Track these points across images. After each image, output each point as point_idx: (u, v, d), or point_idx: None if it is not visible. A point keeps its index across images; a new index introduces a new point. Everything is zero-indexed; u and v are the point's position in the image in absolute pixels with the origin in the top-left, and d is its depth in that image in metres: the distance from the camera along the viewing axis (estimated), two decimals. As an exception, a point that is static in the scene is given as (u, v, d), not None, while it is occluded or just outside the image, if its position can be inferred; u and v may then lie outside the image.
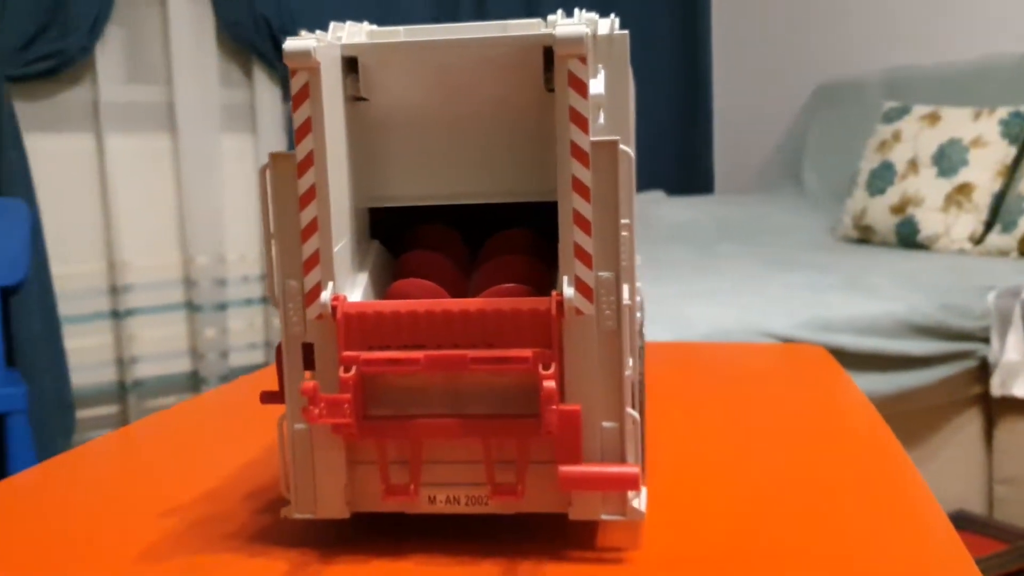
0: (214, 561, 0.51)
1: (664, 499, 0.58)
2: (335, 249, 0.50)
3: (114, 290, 2.82)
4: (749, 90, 3.45)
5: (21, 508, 0.62)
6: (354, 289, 0.53)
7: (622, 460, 0.50)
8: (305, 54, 0.48)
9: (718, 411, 0.78)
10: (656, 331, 1.47)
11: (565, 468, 0.49)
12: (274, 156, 0.51)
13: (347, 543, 0.52)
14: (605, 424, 0.50)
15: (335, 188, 0.51)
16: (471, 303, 0.50)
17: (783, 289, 1.75)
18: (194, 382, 3.01)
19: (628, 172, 0.49)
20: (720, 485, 0.60)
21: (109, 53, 2.72)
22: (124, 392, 2.86)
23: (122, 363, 2.85)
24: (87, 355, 2.78)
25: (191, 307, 2.97)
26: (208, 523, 0.57)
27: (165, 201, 2.92)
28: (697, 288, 1.77)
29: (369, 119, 0.55)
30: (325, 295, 0.50)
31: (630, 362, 0.51)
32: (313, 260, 0.50)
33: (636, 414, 0.50)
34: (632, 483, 0.48)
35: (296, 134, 0.50)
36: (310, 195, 0.50)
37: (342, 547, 0.52)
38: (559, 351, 0.49)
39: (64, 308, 2.67)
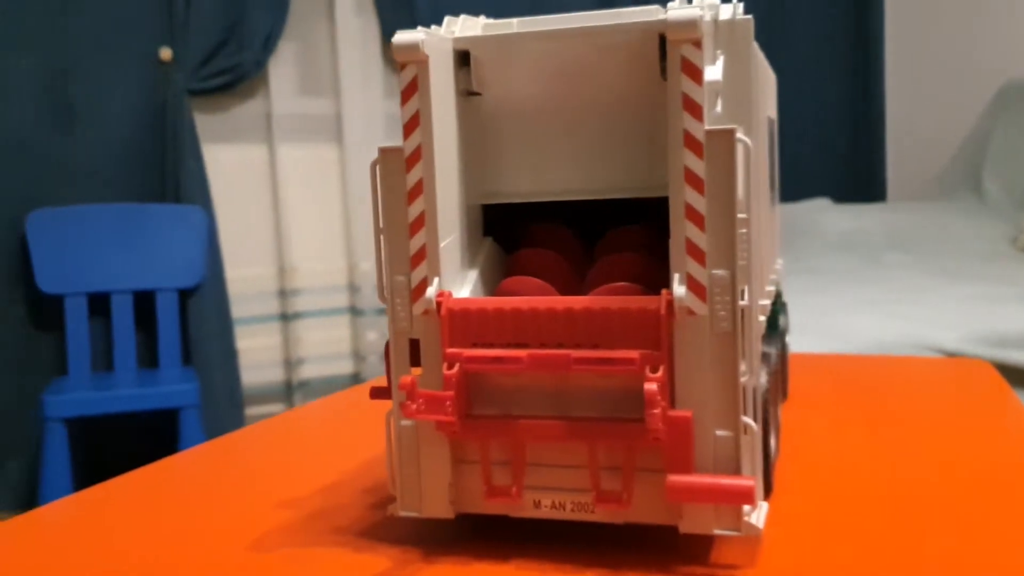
0: (318, 555, 0.51)
1: (790, 515, 0.54)
2: (441, 245, 0.50)
3: (283, 294, 2.95)
4: (926, 90, 3.26)
5: (152, 493, 0.64)
6: (463, 286, 0.52)
7: (737, 472, 0.47)
8: (413, 47, 0.48)
9: (863, 426, 0.73)
10: (812, 343, 1.40)
11: (674, 477, 0.46)
12: (383, 150, 0.51)
13: (451, 543, 0.51)
14: (719, 433, 0.47)
15: (444, 183, 0.50)
16: (577, 301, 0.48)
17: (954, 301, 1.64)
18: (356, 383, 3.10)
19: (747, 163, 0.46)
20: (853, 503, 0.55)
21: (281, 67, 2.85)
22: (290, 392, 2.98)
23: (289, 364, 2.97)
24: (257, 355, 2.92)
25: (354, 311, 3.07)
26: (321, 516, 0.57)
27: (332, 209, 3.03)
28: (859, 299, 1.68)
29: (483, 114, 0.54)
30: (430, 291, 0.49)
31: (747, 367, 0.48)
32: (420, 255, 0.50)
33: (753, 423, 0.47)
34: (746, 496, 0.45)
35: (404, 128, 0.49)
36: (417, 190, 0.49)
37: (446, 547, 0.51)
38: (668, 353, 0.46)
39: (237, 310, 2.81)
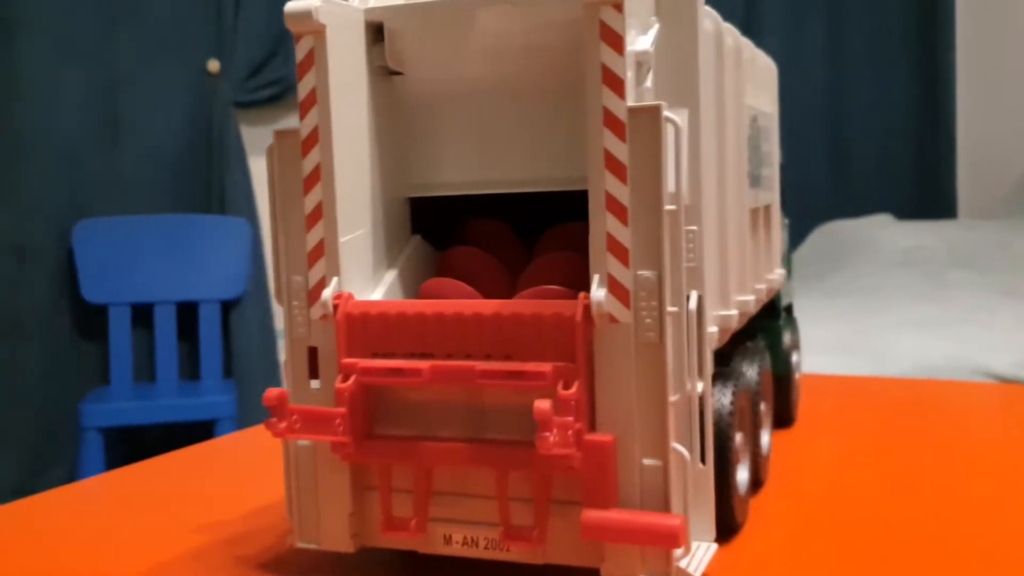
0: (204, 588, 0.46)
1: (758, 558, 0.46)
2: (342, 240, 0.44)
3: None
4: (1000, 99, 3.10)
5: (83, 508, 0.60)
6: (377, 288, 0.46)
7: (666, 507, 0.40)
8: (305, 16, 0.42)
9: (875, 456, 0.65)
10: (852, 364, 1.30)
11: (589, 512, 0.39)
12: (279, 133, 0.45)
13: (356, 581, 0.45)
14: (646, 462, 0.40)
15: (348, 171, 0.44)
16: (487, 306, 0.42)
17: (1015, 322, 1.52)
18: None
19: (680, 147, 0.39)
20: (839, 546, 0.48)
21: (330, 80, 2.84)
22: (335, 406, 2.95)
23: (335, 378, 2.95)
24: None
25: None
26: (233, 543, 0.51)
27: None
28: (912, 318, 1.57)
29: (406, 97, 0.48)
30: (327, 292, 0.43)
31: (694, 386, 0.41)
32: (318, 252, 0.44)
33: (684, 451, 0.40)
34: (671, 537, 0.38)
35: (300, 108, 0.44)
36: (315, 177, 0.44)
37: (347, 585, 0.45)
38: (586, 367, 0.40)
39: (281, 323, 2.80)
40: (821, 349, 1.36)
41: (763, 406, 0.59)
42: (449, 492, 0.43)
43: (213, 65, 2.56)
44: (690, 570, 0.40)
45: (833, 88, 3.11)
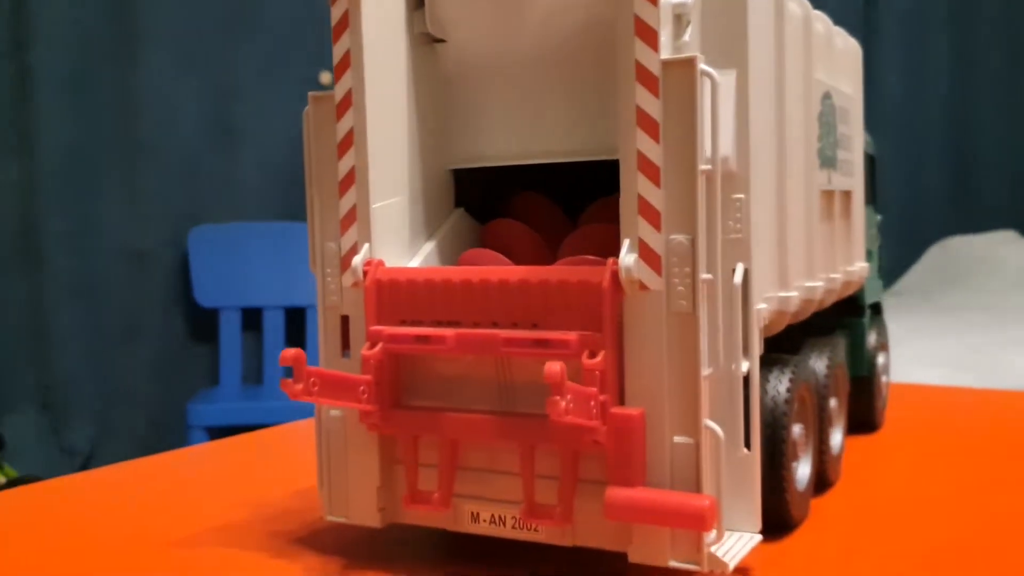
0: (230, 556, 0.45)
1: (805, 556, 0.43)
2: (375, 206, 0.43)
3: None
4: None
5: (150, 481, 0.61)
6: (414, 257, 0.45)
7: (697, 489, 0.37)
8: (339, -23, 0.42)
9: (963, 469, 0.60)
10: (958, 378, 1.23)
11: (613, 490, 0.37)
12: (314, 97, 0.45)
13: (386, 557, 0.44)
14: (677, 439, 0.37)
15: (383, 136, 0.43)
16: (513, 273, 0.40)
17: None
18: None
19: (717, 103, 0.37)
20: (900, 559, 0.44)
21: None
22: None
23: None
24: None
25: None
26: (275, 518, 0.51)
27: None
28: (1030, 336, 1.47)
29: (450, 65, 0.47)
30: (357, 259, 0.43)
31: (738, 364, 0.39)
32: (350, 218, 0.43)
33: (717, 429, 0.37)
34: (697, 519, 0.36)
35: (335, 71, 0.43)
36: (348, 141, 0.43)
37: (372, 561, 0.44)
38: (614, 336, 0.38)
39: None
40: (927, 363, 1.29)
41: (833, 402, 0.55)
42: (478, 468, 0.42)
43: (325, 77, 2.62)
44: (725, 559, 0.37)
45: (957, 98, 2.96)
